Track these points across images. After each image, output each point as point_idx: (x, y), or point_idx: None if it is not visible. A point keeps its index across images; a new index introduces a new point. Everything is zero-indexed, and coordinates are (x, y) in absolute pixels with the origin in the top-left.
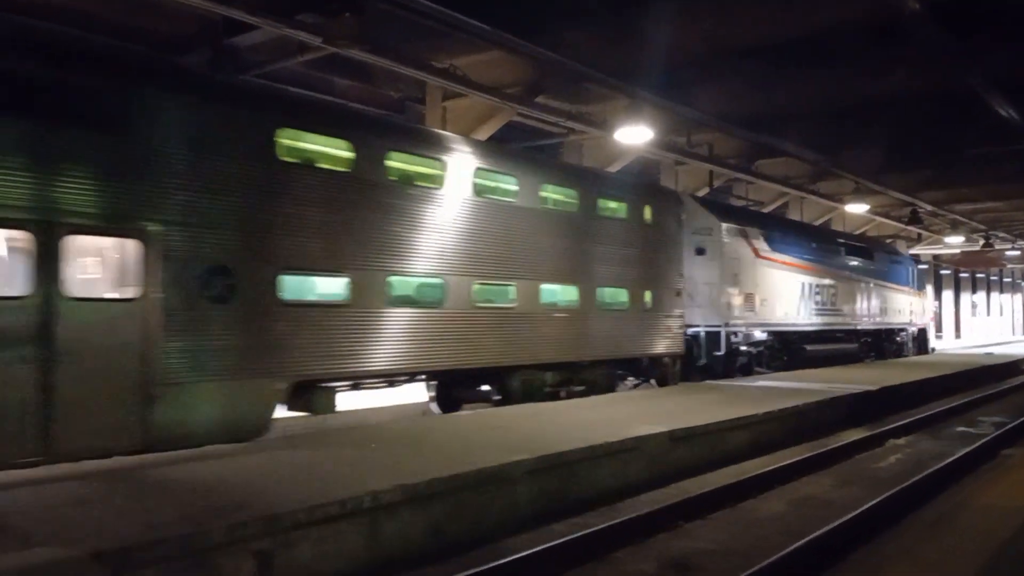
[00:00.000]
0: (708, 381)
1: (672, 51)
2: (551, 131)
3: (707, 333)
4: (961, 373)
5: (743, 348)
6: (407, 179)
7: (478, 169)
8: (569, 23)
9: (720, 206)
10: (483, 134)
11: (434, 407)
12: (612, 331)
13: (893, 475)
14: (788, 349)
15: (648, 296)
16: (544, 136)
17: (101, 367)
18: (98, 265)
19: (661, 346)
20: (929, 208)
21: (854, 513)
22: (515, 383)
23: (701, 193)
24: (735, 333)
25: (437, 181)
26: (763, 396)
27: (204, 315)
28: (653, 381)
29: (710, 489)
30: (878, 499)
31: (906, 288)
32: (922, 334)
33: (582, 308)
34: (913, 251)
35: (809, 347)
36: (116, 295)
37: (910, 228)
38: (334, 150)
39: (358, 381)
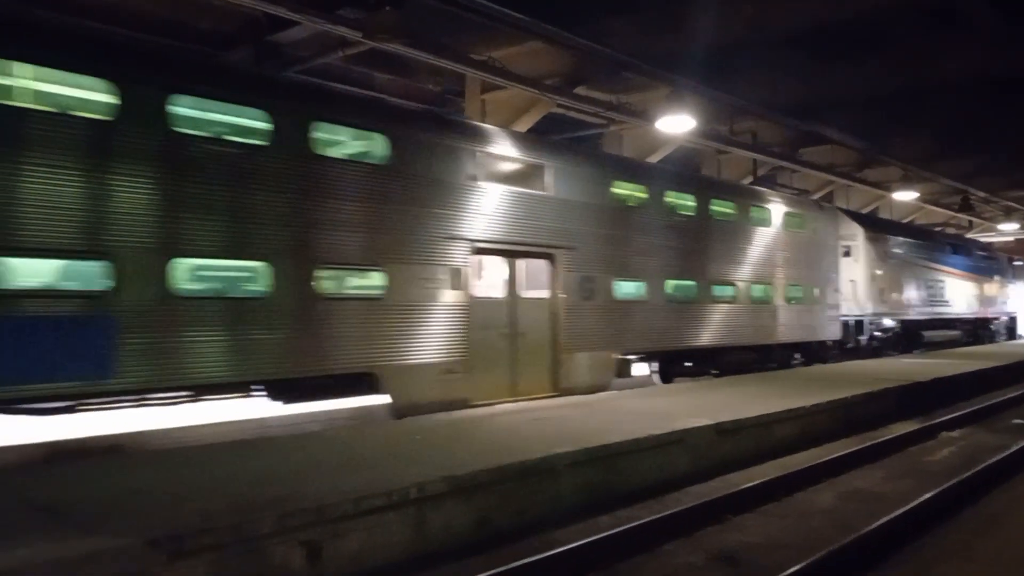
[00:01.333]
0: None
1: (714, 38)
2: (591, 122)
3: (854, 322)
4: (1017, 364)
5: (876, 333)
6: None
7: (729, 199)
8: (609, 12)
9: (860, 216)
10: (522, 126)
11: (656, 379)
12: (794, 321)
13: (946, 469)
14: (908, 335)
15: (816, 292)
16: (584, 127)
17: (537, 341)
18: (531, 275)
19: (826, 332)
20: (982, 195)
21: (906, 507)
22: (730, 360)
23: (746, 182)
24: (872, 321)
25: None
26: (821, 384)
27: (581, 308)
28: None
29: (758, 482)
30: (931, 493)
31: (998, 281)
32: (1012, 322)
33: (774, 303)
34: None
35: (925, 333)
36: (538, 295)
37: (960, 216)
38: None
39: (642, 355)
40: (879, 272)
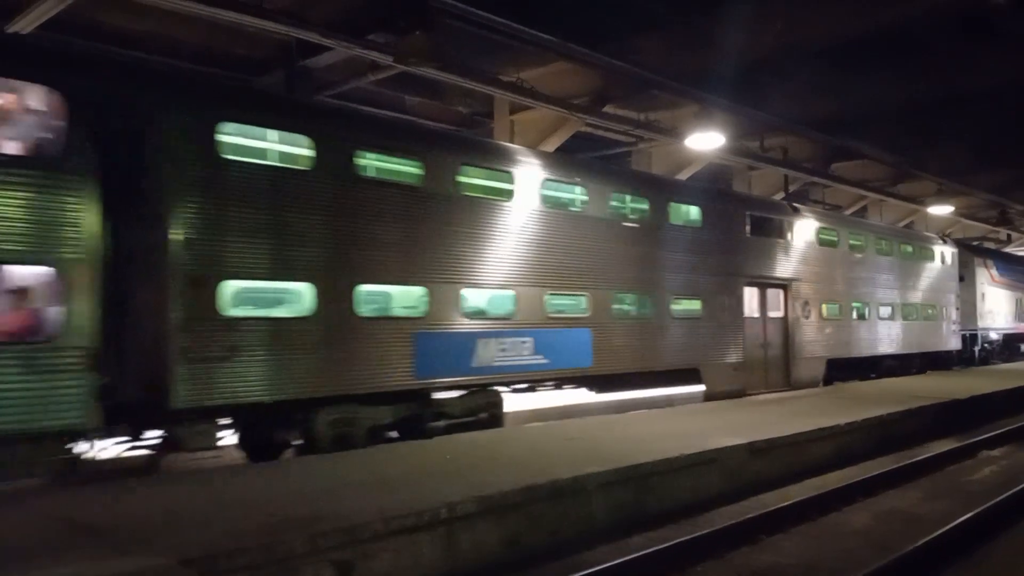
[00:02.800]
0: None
1: (743, 54)
2: (619, 140)
3: (969, 335)
4: None
5: (985, 345)
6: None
7: (848, 232)
8: (637, 31)
9: (972, 246)
10: (551, 145)
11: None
12: (929, 334)
13: (987, 489)
14: (1007, 346)
15: (943, 311)
16: (612, 145)
17: (777, 348)
18: (769, 298)
19: (950, 344)
20: (1020, 207)
21: (945, 528)
22: (886, 366)
23: (777, 197)
24: (982, 335)
25: (858, 248)
26: (855, 403)
27: (802, 325)
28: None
29: (792, 502)
30: (971, 514)
31: None
32: None
33: (914, 319)
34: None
35: (1022, 345)
36: (777, 315)
37: (998, 229)
38: (828, 236)
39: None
40: (986, 293)
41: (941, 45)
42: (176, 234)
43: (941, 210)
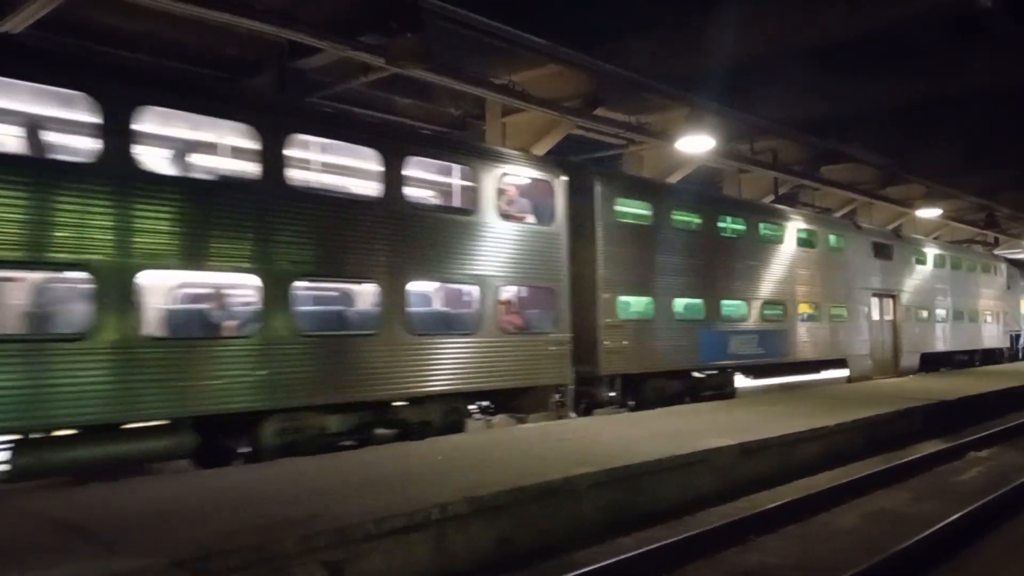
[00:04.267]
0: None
1: (734, 56)
2: (610, 142)
3: (1013, 335)
4: None
5: None
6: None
7: (934, 253)
8: (627, 31)
9: (1016, 261)
10: (542, 148)
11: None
12: (987, 333)
13: (975, 489)
14: None
15: (997, 316)
16: (603, 148)
17: (888, 344)
18: (884, 305)
19: (1001, 342)
20: (1007, 211)
21: (933, 529)
22: (957, 360)
23: (767, 200)
24: None
25: (940, 265)
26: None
27: (906, 325)
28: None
29: (782, 502)
30: (959, 514)
31: None
32: None
33: (976, 322)
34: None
35: None
36: (888, 318)
37: (986, 232)
38: (920, 256)
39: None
40: None
41: (930, 47)
42: (600, 265)
43: (929, 213)
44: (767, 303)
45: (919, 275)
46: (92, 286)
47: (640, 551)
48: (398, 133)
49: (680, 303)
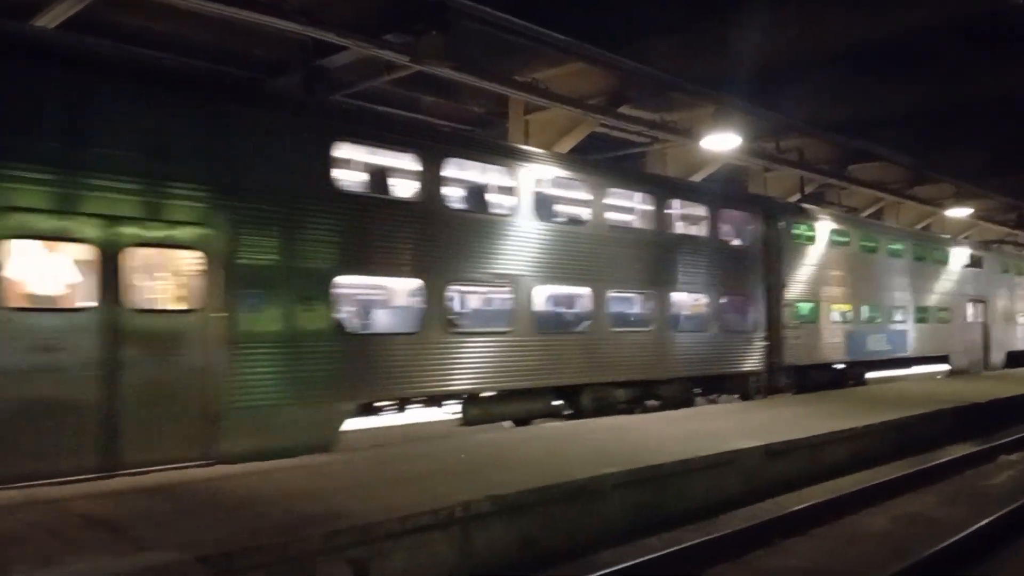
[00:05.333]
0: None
1: (758, 60)
2: (634, 140)
3: None
4: None
5: None
6: None
7: (1013, 262)
8: (653, 33)
9: None
10: (565, 146)
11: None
12: None
13: (1005, 493)
14: None
15: None
16: (627, 146)
17: (977, 343)
18: (977, 309)
19: None
20: None
21: (963, 533)
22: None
23: (793, 199)
24: None
25: (1020, 273)
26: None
27: (993, 327)
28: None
29: (808, 504)
30: (989, 518)
31: None
32: None
33: None
34: None
35: None
36: (980, 320)
37: (1017, 232)
38: (1003, 265)
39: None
40: None
41: (955, 51)
42: (783, 279)
43: (959, 213)
44: (893, 308)
45: (1003, 282)
46: (512, 295)
47: (665, 552)
48: (714, 193)
49: (835, 308)
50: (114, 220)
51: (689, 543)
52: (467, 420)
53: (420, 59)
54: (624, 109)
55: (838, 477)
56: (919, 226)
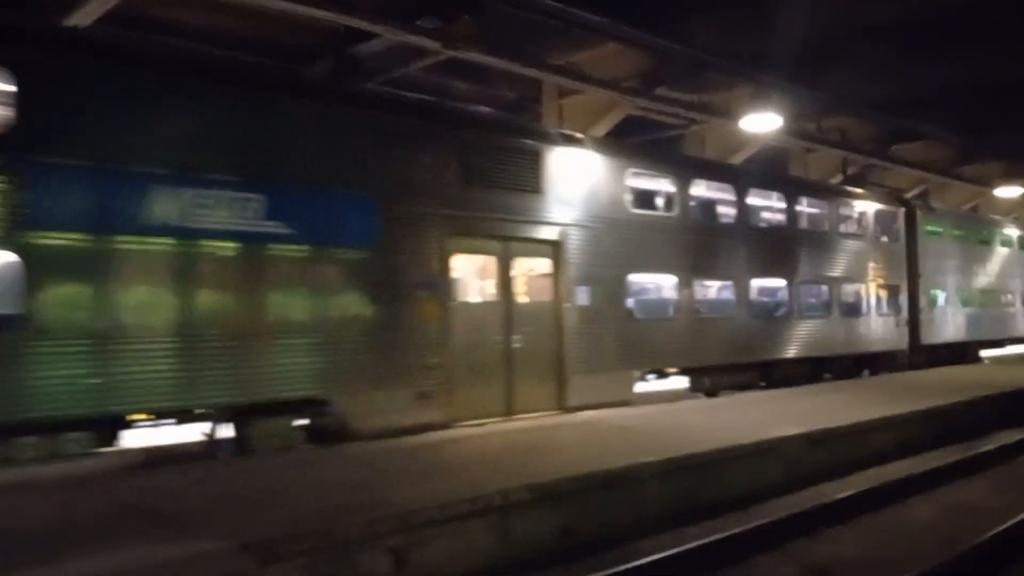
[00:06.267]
0: None
1: (801, 36)
2: (671, 123)
3: None
4: None
5: None
6: None
7: None
8: (691, 11)
9: None
10: (600, 129)
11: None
12: None
13: None
14: None
15: None
16: (664, 128)
17: None
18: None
19: None
20: None
21: (1014, 521)
22: None
23: (835, 180)
24: None
25: None
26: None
27: None
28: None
29: (852, 493)
30: None
31: None
32: None
33: None
34: None
35: None
36: None
37: None
38: None
39: None
40: None
41: (1003, 24)
42: (921, 269)
43: (1010, 192)
44: (1001, 293)
45: None
46: (734, 288)
47: (706, 541)
48: (873, 198)
49: (958, 294)
50: (507, 240)
51: (730, 532)
52: (694, 389)
53: (452, 44)
54: (660, 91)
55: (882, 465)
56: (966, 206)
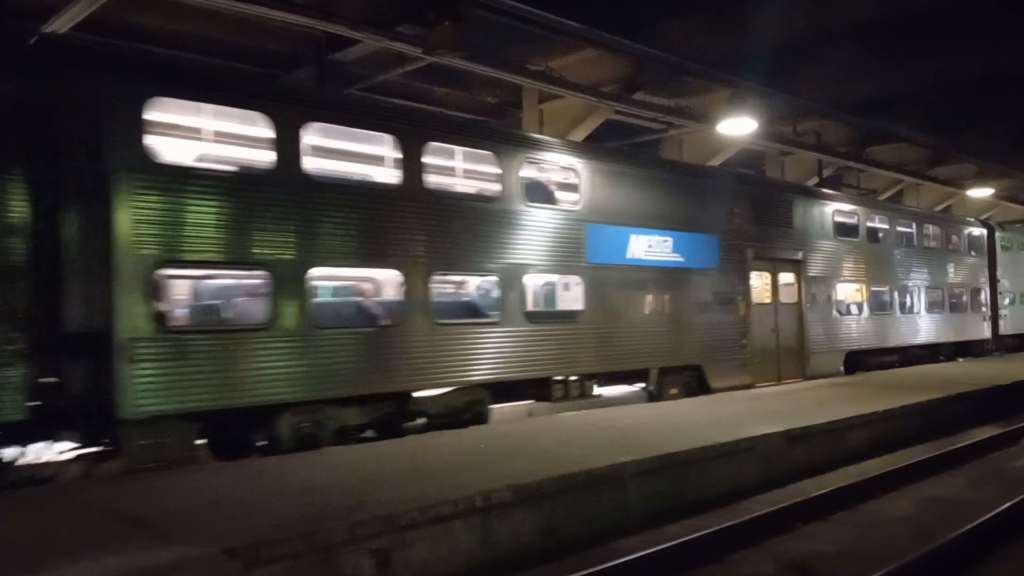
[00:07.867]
0: None
1: (775, 38)
2: (649, 127)
3: None
4: None
5: None
6: None
7: None
8: (666, 14)
9: None
10: (579, 134)
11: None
12: None
13: None
14: None
15: None
16: (642, 133)
17: None
18: None
19: None
20: None
21: (989, 515)
22: None
23: (811, 183)
24: None
25: None
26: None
27: None
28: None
29: (830, 489)
30: (1015, 501)
31: None
32: None
33: None
34: None
35: None
36: None
37: None
38: None
39: None
40: None
41: (977, 23)
42: (999, 274)
43: (981, 193)
44: None
45: None
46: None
47: (686, 539)
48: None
49: (1020, 295)
50: (775, 260)
51: (710, 529)
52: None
53: (433, 50)
54: (639, 95)
55: (861, 462)
56: (939, 207)
